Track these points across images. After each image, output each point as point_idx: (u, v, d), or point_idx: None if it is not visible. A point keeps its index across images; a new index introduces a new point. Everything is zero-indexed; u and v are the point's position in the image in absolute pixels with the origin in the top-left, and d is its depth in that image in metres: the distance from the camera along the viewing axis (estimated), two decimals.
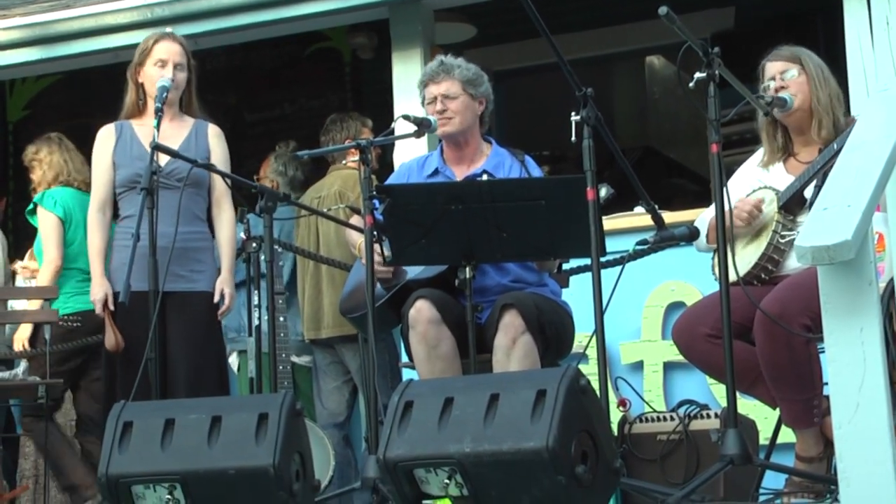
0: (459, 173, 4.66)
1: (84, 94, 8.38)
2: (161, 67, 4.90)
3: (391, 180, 4.87)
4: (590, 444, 3.32)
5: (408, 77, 6.36)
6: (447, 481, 3.25)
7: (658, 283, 5.70)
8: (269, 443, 3.56)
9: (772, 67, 4.31)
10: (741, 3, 7.81)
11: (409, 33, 6.39)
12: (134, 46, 5.15)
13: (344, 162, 6.15)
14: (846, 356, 3.04)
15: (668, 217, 4.65)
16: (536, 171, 4.69)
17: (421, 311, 4.35)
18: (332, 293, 5.97)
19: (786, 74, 4.26)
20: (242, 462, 3.55)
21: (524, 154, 4.70)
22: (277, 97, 8.81)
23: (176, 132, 4.92)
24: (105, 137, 4.98)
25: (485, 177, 4.53)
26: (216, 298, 4.86)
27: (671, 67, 8.76)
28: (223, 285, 4.89)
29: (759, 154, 4.47)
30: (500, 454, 3.24)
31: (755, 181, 4.35)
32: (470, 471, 3.26)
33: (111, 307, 4.78)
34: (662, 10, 3.51)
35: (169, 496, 3.55)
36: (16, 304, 6.31)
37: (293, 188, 6.44)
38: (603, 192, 3.90)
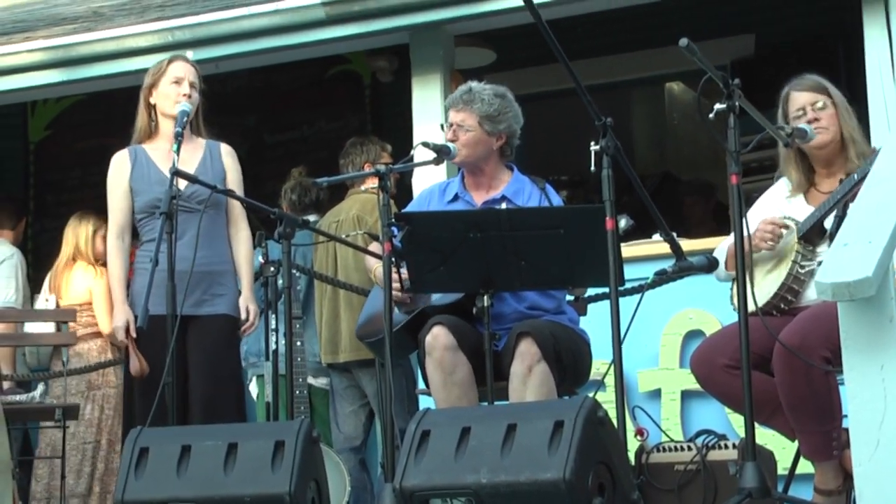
0: (479, 199, 4.66)
1: (105, 116, 8.42)
2: (177, 85, 4.91)
3: (412, 206, 4.87)
4: (607, 476, 3.32)
5: (427, 101, 6.38)
6: None
7: (676, 311, 5.68)
8: (286, 470, 3.57)
9: (800, 98, 4.29)
10: (761, 30, 7.80)
11: (429, 58, 6.41)
12: None
13: (364, 188, 6.16)
14: (867, 393, 3.03)
15: (687, 245, 4.63)
16: (556, 199, 4.68)
17: (437, 337, 4.35)
18: (349, 317, 5.97)
19: (817, 105, 4.25)
20: (258, 489, 3.56)
21: (545, 182, 4.69)
22: (297, 119, 8.83)
23: (191, 155, 4.93)
24: (120, 164, 4.98)
25: (504, 204, 4.52)
26: (242, 316, 4.87)
27: (690, 93, 8.76)
28: (247, 302, 4.91)
29: (782, 185, 4.46)
30: (516, 485, 3.24)
31: (777, 212, 4.33)
32: (486, 501, 3.27)
33: (133, 333, 4.79)
34: (683, 41, 3.51)
35: None
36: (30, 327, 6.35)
37: (303, 212, 6.43)
38: (623, 223, 3.90)
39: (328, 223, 6.12)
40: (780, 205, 4.37)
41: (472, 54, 7.43)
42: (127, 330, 4.80)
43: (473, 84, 4.68)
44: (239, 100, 8.41)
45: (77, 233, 6.61)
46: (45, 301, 6.53)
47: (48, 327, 6.25)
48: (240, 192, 4.97)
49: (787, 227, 4.19)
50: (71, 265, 6.57)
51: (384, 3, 6.20)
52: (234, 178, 4.99)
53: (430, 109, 6.36)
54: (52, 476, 6.41)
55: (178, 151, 4.67)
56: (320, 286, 6.17)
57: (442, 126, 4.72)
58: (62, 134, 9.13)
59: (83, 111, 8.81)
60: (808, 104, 4.27)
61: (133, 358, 4.77)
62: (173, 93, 4.91)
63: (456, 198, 4.70)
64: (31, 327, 6.34)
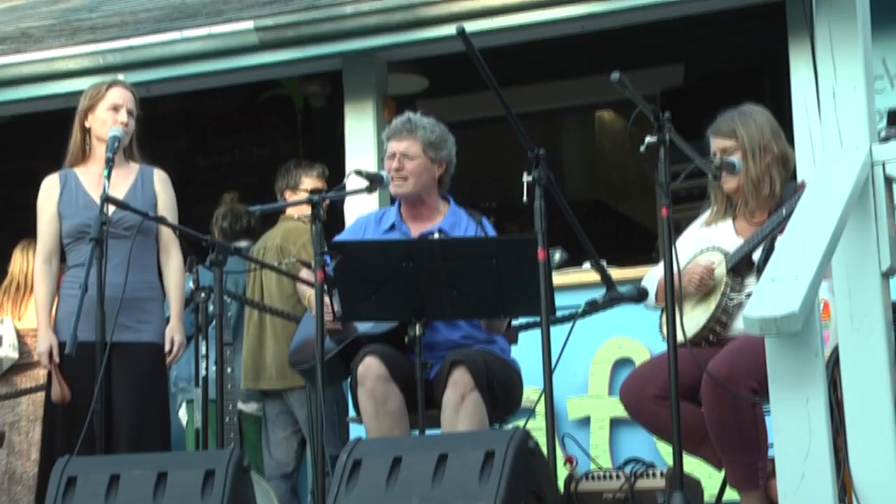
0: (416, 230, 4.68)
1: (31, 138, 8.33)
2: (115, 112, 4.87)
3: (346, 233, 4.88)
4: None
5: (360, 127, 6.40)
6: None
7: (605, 339, 5.73)
8: (216, 500, 3.53)
9: (714, 143, 4.39)
10: (690, 61, 7.91)
11: (362, 84, 6.43)
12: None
13: (297, 217, 6.14)
14: (792, 426, 3.08)
15: (617, 274, 4.68)
16: (492, 232, 4.71)
17: (370, 367, 4.35)
18: (274, 345, 5.95)
19: (726, 151, 4.34)
20: None
21: (481, 215, 4.72)
22: (228, 143, 8.80)
23: (122, 180, 4.88)
24: (49, 188, 4.93)
25: (436, 235, 4.54)
26: (167, 346, 4.83)
27: (621, 121, 8.86)
28: (173, 332, 4.86)
29: (707, 213, 4.53)
30: None
31: (704, 240, 4.40)
32: None
33: (56, 359, 4.73)
34: (615, 76, 3.56)
35: None
36: None
37: (234, 238, 6.39)
38: (557, 256, 3.94)
39: (256, 250, 6.09)
40: (705, 232, 4.44)
41: (405, 81, 7.44)
42: (51, 355, 4.74)
43: (410, 114, 4.71)
44: (170, 123, 8.36)
45: (28, 259, 6.54)
46: None
47: None
48: (173, 217, 4.93)
49: (713, 272, 4.25)
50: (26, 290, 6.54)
51: (318, 30, 6.20)
52: (165, 204, 4.95)
53: (363, 135, 6.38)
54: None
55: (108, 177, 4.62)
56: (248, 312, 6.14)
57: (383, 156, 4.73)
58: None
59: (10, 132, 8.70)
60: (718, 150, 4.37)
61: (55, 384, 4.71)
62: (110, 119, 4.87)
63: (392, 227, 4.71)
64: None
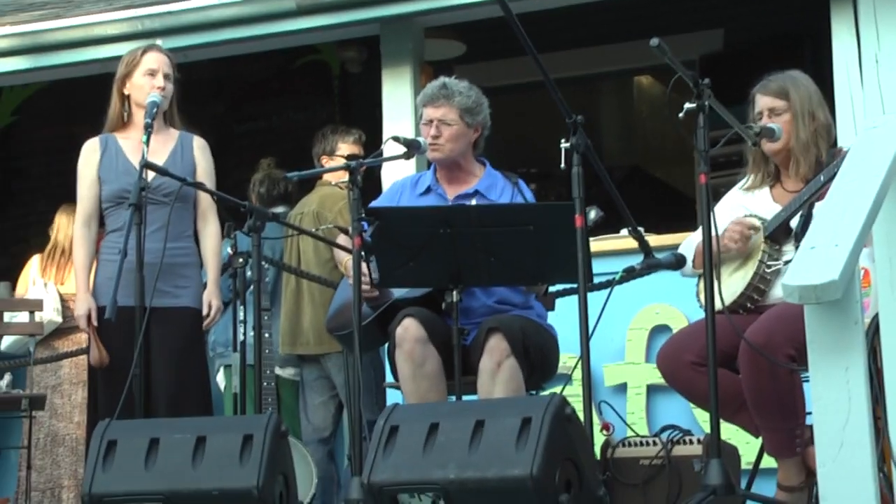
0: (451, 193, 4.67)
1: (70, 103, 8.37)
2: (151, 77, 4.89)
3: (382, 199, 4.88)
4: (574, 472, 3.34)
5: (397, 93, 6.38)
6: None
7: (643, 306, 5.71)
8: (254, 464, 3.57)
9: (760, 101, 4.34)
10: (730, 26, 7.85)
11: (399, 50, 6.41)
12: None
13: (333, 182, 6.14)
14: (831, 395, 3.06)
15: (654, 241, 4.67)
16: (529, 195, 4.70)
17: (408, 329, 4.35)
18: (312, 310, 5.97)
19: (774, 111, 4.28)
20: (226, 483, 3.56)
21: (517, 177, 4.71)
22: (265, 109, 8.81)
23: (161, 146, 4.90)
24: (90, 152, 4.95)
25: (473, 201, 4.54)
26: (204, 311, 4.86)
27: (659, 87, 8.80)
28: (210, 297, 4.89)
29: (745, 180, 4.50)
30: (484, 481, 3.25)
31: (740, 208, 4.37)
32: (454, 497, 3.28)
33: (94, 322, 4.77)
34: (654, 41, 3.53)
35: None
36: None
37: (272, 204, 6.40)
38: (592, 214, 3.92)
39: (293, 216, 6.10)
40: (743, 199, 4.41)
41: (442, 46, 7.42)
42: (89, 319, 4.78)
43: (445, 79, 4.69)
44: (205, 89, 8.36)
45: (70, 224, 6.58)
46: (43, 287, 6.51)
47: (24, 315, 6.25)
48: (211, 185, 4.95)
49: (755, 228, 4.23)
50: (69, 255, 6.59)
51: None
52: (204, 172, 4.97)
53: (400, 101, 6.37)
54: (54, 465, 6.40)
55: (147, 142, 4.63)
56: (285, 278, 6.16)
57: (418, 121, 4.73)
58: (28, 121, 9.06)
59: (49, 98, 8.75)
60: (766, 108, 4.31)
61: (93, 347, 4.75)
62: (147, 84, 4.88)
63: (428, 190, 4.71)
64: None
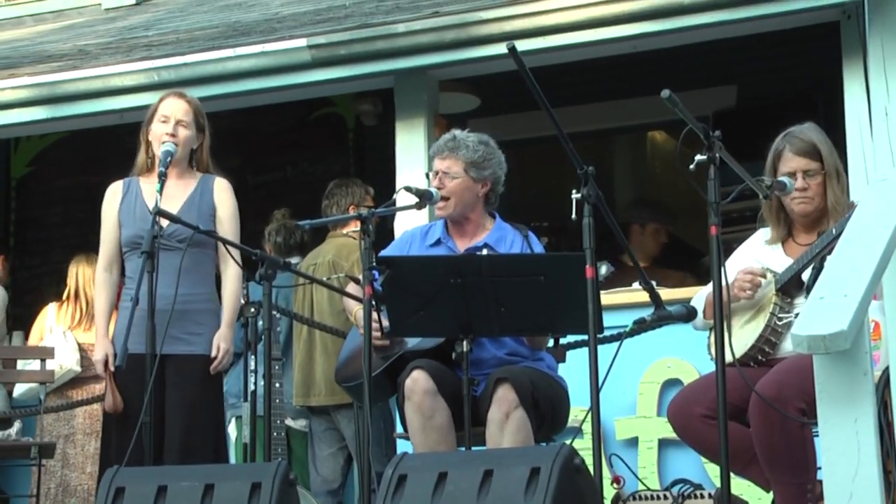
0: (461, 245, 4.68)
1: (87, 154, 8.42)
2: (164, 124, 4.91)
3: (392, 248, 4.89)
4: None
5: (411, 145, 6.42)
6: None
7: (654, 360, 5.70)
8: None
9: (793, 161, 4.28)
10: (743, 82, 7.88)
11: (413, 102, 6.45)
12: (140, 108, 5.20)
13: (345, 231, 6.17)
14: (841, 445, 3.05)
15: (665, 294, 4.66)
16: (538, 247, 4.70)
17: (417, 381, 4.35)
18: (324, 361, 5.97)
19: (808, 173, 4.25)
20: None
21: (527, 229, 4.72)
22: (280, 160, 8.85)
23: (180, 191, 4.91)
24: (112, 194, 4.99)
25: (485, 251, 4.54)
26: (213, 353, 4.84)
27: (672, 142, 8.82)
28: (220, 340, 4.85)
29: (760, 234, 4.50)
30: None
31: (753, 262, 4.37)
32: None
33: (112, 367, 4.77)
34: (665, 93, 3.55)
35: None
36: None
37: (288, 254, 6.44)
38: (603, 269, 3.93)
39: (306, 266, 6.12)
40: (757, 254, 4.41)
41: (457, 100, 7.47)
42: (106, 365, 4.79)
43: (457, 132, 4.72)
44: (222, 141, 8.39)
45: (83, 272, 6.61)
46: (62, 335, 6.51)
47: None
48: (233, 226, 4.94)
49: (764, 276, 4.22)
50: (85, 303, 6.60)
51: (370, 48, 6.25)
52: (226, 213, 4.96)
53: (414, 153, 6.40)
54: None
55: (160, 191, 4.66)
56: (297, 328, 6.17)
57: (427, 175, 4.76)
58: (44, 170, 9.12)
59: (65, 149, 8.81)
60: (800, 170, 4.26)
61: (108, 393, 4.76)
62: (160, 131, 4.91)
63: (438, 242, 4.72)
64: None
